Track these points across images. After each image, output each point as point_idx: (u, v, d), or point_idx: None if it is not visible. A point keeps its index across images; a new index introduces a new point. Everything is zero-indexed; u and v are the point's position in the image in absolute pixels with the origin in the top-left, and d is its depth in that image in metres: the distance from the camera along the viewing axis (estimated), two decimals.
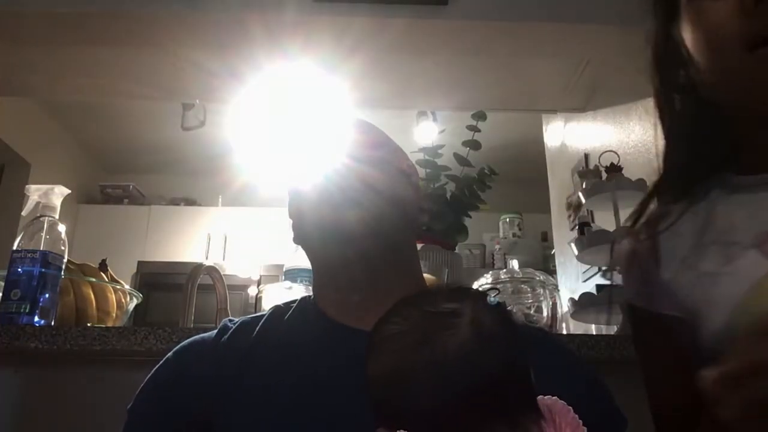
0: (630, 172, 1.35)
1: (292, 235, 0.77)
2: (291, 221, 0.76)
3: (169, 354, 0.70)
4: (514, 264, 1.57)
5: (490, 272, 1.53)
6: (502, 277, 1.47)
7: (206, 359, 0.66)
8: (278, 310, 0.74)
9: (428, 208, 0.81)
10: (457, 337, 0.44)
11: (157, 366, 0.69)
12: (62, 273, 1.11)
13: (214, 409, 0.62)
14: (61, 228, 1.12)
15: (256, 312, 0.93)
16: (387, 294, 0.66)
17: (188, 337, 0.72)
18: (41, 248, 1.07)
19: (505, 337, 0.46)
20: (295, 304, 0.74)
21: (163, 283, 3.49)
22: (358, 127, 0.77)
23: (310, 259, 0.76)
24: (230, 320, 0.72)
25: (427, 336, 0.45)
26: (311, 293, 0.76)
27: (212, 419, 0.61)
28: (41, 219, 1.11)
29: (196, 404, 0.63)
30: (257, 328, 0.69)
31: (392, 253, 0.71)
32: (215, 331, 0.71)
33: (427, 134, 2.81)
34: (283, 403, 0.60)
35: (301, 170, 0.75)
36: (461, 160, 1.65)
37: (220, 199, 4.07)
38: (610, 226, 1.30)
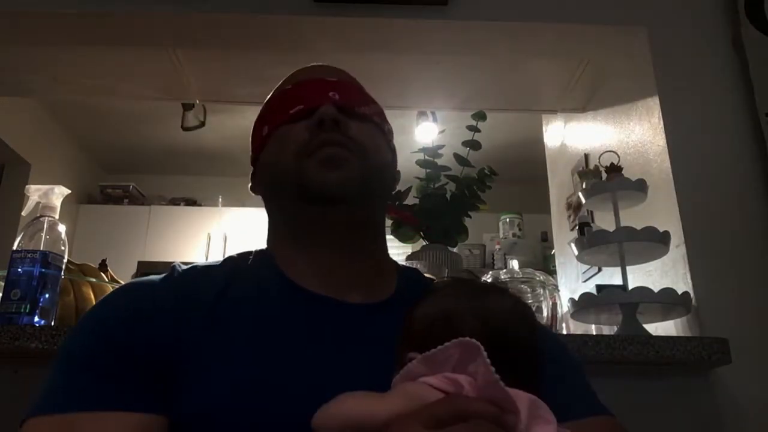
0: (630, 172, 1.35)
1: (250, 184, 0.75)
2: (255, 160, 0.73)
3: (109, 294, 0.65)
4: (514, 264, 1.57)
5: (490, 272, 1.53)
6: (502, 277, 1.47)
7: (157, 303, 0.61)
8: (235, 263, 0.69)
9: (400, 176, 0.79)
10: (501, 305, 0.54)
11: (98, 305, 0.64)
12: (62, 273, 1.11)
13: (171, 365, 0.56)
14: (61, 228, 1.12)
15: None
16: (352, 260, 0.68)
17: None
18: (41, 248, 1.07)
19: (534, 324, 0.56)
20: (251, 258, 0.70)
21: None
22: (338, 77, 0.73)
23: (272, 212, 0.73)
24: (179, 264, 0.68)
25: (477, 295, 0.56)
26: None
27: (168, 375, 0.56)
28: (41, 219, 1.11)
29: (144, 350, 0.57)
30: (220, 282, 0.64)
31: (367, 222, 0.69)
32: (163, 275, 0.66)
33: (427, 134, 2.82)
34: (257, 362, 0.57)
35: (271, 117, 0.71)
36: (461, 160, 1.65)
37: (220, 199, 4.07)
38: (610, 226, 1.30)
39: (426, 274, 0.80)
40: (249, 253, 0.72)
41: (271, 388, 0.56)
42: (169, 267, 0.67)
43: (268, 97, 0.76)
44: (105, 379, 0.55)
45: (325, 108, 0.67)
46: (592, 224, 1.72)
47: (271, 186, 0.71)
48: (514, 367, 0.48)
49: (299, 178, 0.65)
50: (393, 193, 0.78)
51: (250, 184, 0.75)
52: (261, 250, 0.72)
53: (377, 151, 0.70)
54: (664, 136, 1.42)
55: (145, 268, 3.77)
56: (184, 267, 0.67)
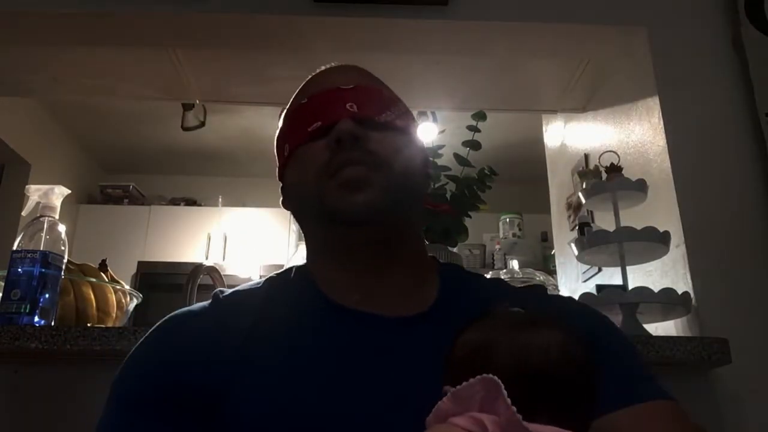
0: (630, 172, 1.35)
1: (281, 198, 0.73)
2: (282, 183, 0.72)
3: (153, 329, 0.65)
4: (514, 264, 1.57)
5: (490, 272, 1.53)
6: (502, 277, 1.47)
7: (199, 339, 0.61)
8: (274, 285, 0.69)
9: (432, 172, 0.75)
10: (546, 340, 0.51)
11: (141, 340, 0.65)
12: (62, 273, 1.11)
13: (217, 390, 0.57)
14: (61, 228, 1.12)
15: None
16: (388, 273, 0.66)
17: None
18: (41, 248, 1.07)
19: (580, 361, 0.51)
20: (291, 276, 0.70)
21: (163, 283, 3.49)
22: (357, 83, 0.69)
23: (305, 231, 0.72)
24: (221, 291, 0.68)
25: (522, 328, 0.52)
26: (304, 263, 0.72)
27: (214, 400, 0.57)
28: (41, 219, 1.11)
29: (189, 390, 0.58)
30: (259, 306, 0.65)
31: (399, 234, 0.67)
32: (206, 304, 0.67)
33: (427, 134, 2.81)
34: (291, 387, 0.57)
35: (294, 136, 0.68)
36: (461, 160, 1.65)
37: (220, 199, 4.07)
38: (610, 226, 1.30)
39: (467, 270, 0.77)
40: (290, 270, 0.71)
41: (307, 410, 0.56)
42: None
43: (288, 106, 0.73)
44: (154, 419, 0.58)
45: (342, 124, 0.64)
46: (592, 224, 1.72)
47: (299, 206, 0.70)
48: (554, 403, 0.47)
49: (322, 201, 0.64)
50: (428, 189, 0.75)
51: (281, 198, 0.74)
52: (301, 267, 0.72)
53: (403, 159, 0.66)
54: (664, 136, 1.42)
55: (145, 268, 3.78)
56: (227, 293, 0.68)
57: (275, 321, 0.63)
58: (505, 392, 0.45)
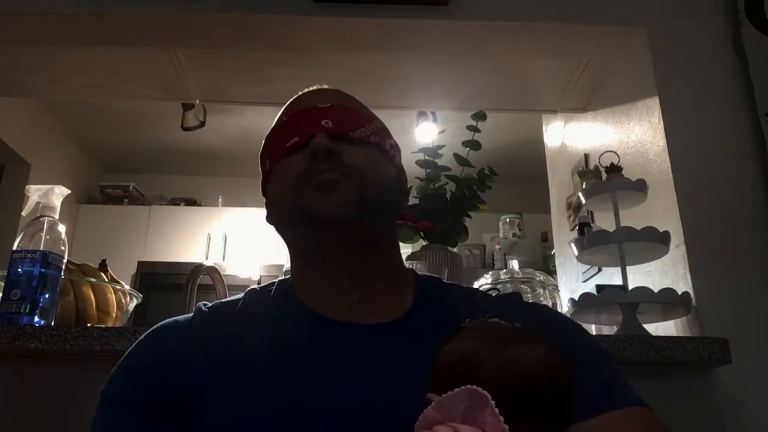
0: (630, 172, 1.35)
1: (266, 214, 0.76)
2: (265, 198, 0.75)
3: (142, 338, 0.70)
4: (514, 264, 1.57)
5: (490, 272, 1.53)
6: (502, 277, 1.47)
7: (183, 346, 0.66)
8: (255, 296, 0.73)
9: (408, 189, 0.79)
10: (528, 353, 0.52)
11: (131, 349, 0.69)
12: (62, 273, 1.11)
13: (195, 398, 0.61)
14: (61, 228, 1.12)
15: None
16: (363, 280, 0.69)
17: None
18: (41, 248, 1.07)
19: (565, 374, 0.53)
20: (273, 289, 0.74)
21: (163, 283, 3.49)
22: (333, 102, 0.73)
23: (286, 242, 0.75)
24: (204, 304, 0.72)
25: (505, 340, 0.54)
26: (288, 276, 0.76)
27: (193, 406, 0.61)
28: (41, 219, 1.11)
29: (176, 391, 0.62)
30: (236, 315, 0.69)
31: (372, 241, 0.69)
32: (190, 315, 0.71)
33: (427, 134, 2.81)
34: (265, 394, 0.60)
35: (271, 153, 0.73)
36: (461, 160, 1.65)
37: (220, 199, 4.07)
38: (610, 226, 1.30)
39: (446, 281, 0.80)
40: (272, 284, 0.75)
41: (280, 414, 0.58)
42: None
43: (270, 128, 0.77)
44: (141, 419, 0.62)
45: (317, 138, 0.68)
46: (592, 224, 1.72)
47: (279, 217, 0.73)
48: (536, 414, 0.49)
49: (298, 205, 0.67)
50: (403, 206, 0.78)
51: (265, 214, 0.76)
52: (284, 280, 0.75)
53: (376, 171, 0.69)
54: (664, 136, 1.42)
55: (145, 268, 3.77)
56: (209, 305, 0.71)
57: (254, 326, 0.67)
58: (492, 403, 0.46)
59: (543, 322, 0.66)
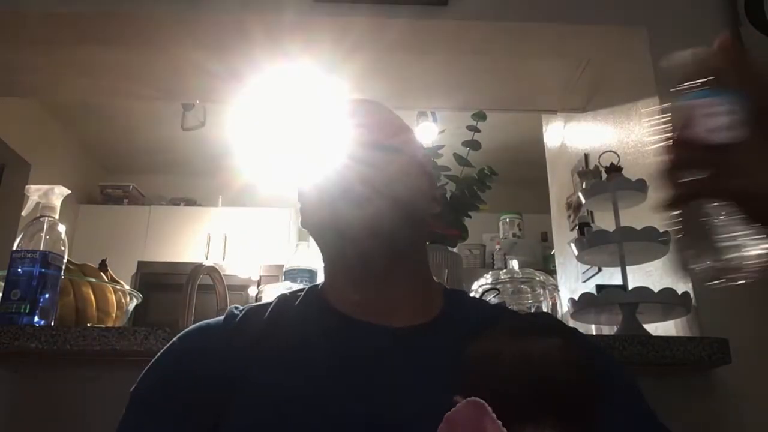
0: (630, 172, 1.35)
1: (300, 219, 0.79)
2: (300, 204, 0.78)
3: (174, 340, 0.71)
4: (514, 264, 1.57)
5: (490, 272, 1.53)
6: (502, 277, 1.47)
7: (213, 348, 0.67)
8: (285, 301, 0.75)
9: (440, 195, 0.81)
10: (552, 351, 0.55)
11: (161, 351, 0.70)
12: (62, 273, 1.11)
13: (221, 401, 0.62)
14: (61, 228, 1.12)
15: None
16: (391, 286, 0.71)
17: None
18: (41, 248, 1.07)
19: (585, 375, 0.55)
20: (302, 294, 0.75)
21: (163, 284, 3.48)
22: (367, 112, 0.76)
23: (320, 250, 0.77)
24: (236, 307, 0.73)
25: (522, 338, 0.56)
26: (320, 281, 0.78)
27: (219, 410, 0.62)
28: (41, 219, 1.11)
29: (202, 393, 0.63)
30: (265, 319, 0.70)
31: (394, 252, 0.70)
32: (222, 318, 0.72)
33: (427, 134, 2.81)
34: (292, 396, 0.61)
35: (305, 162, 0.75)
36: (461, 160, 1.65)
37: (220, 199, 4.06)
38: (610, 226, 1.30)
39: (471, 295, 0.82)
40: (302, 290, 0.77)
41: (308, 410, 0.59)
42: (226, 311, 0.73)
43: (308, 136, 0.79)
44: (171, 422, 0.63)
45: (347, 147, 0.70)
46: (592, 224, 1.72)
47: (310, 224, 0.75)
48: (560, 414, 0.51)
49: (325, 217, 0.70)
50: (435, 213, 0.79)
51: (300, 219, 0.78)
52: (314, 286, 0.78)
53: (405, 182, 0.71)
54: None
55: (145, 268, 3.77)
56: (241, 309, 0.73)
57: (283, 330, 0.68)
58: (490, 410, 0.48)
59: (574, 342, 0.67)
